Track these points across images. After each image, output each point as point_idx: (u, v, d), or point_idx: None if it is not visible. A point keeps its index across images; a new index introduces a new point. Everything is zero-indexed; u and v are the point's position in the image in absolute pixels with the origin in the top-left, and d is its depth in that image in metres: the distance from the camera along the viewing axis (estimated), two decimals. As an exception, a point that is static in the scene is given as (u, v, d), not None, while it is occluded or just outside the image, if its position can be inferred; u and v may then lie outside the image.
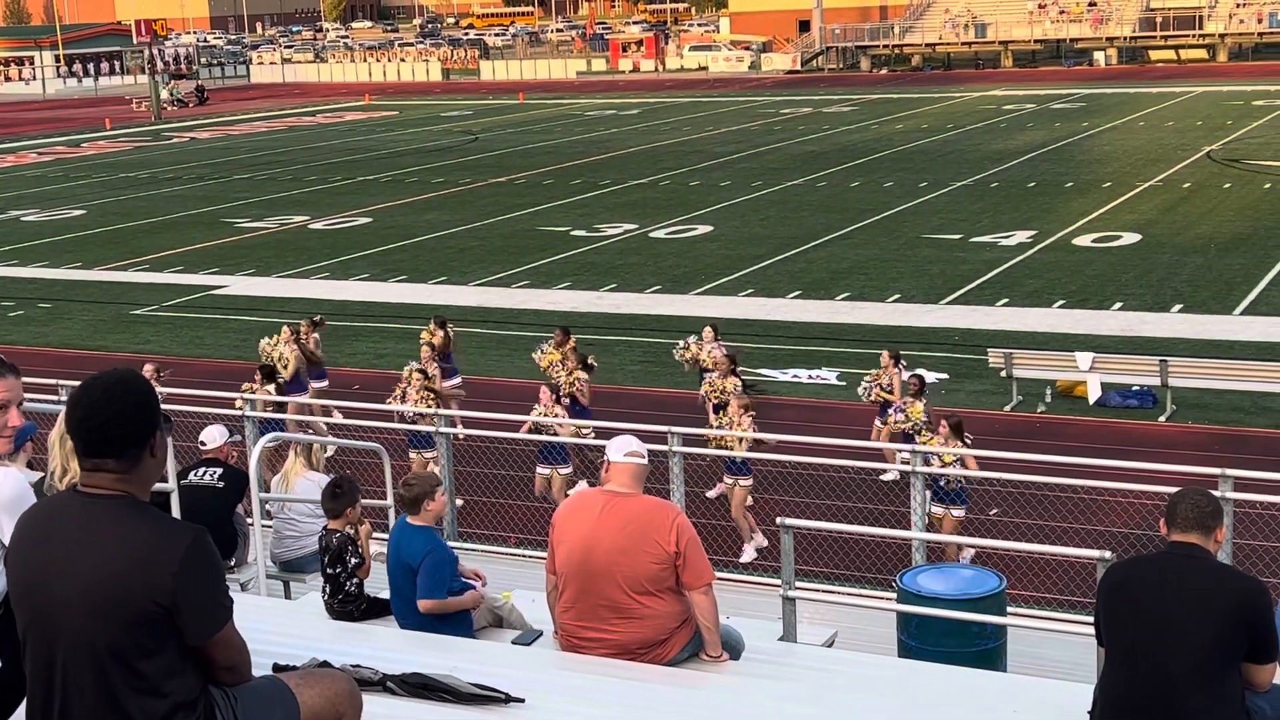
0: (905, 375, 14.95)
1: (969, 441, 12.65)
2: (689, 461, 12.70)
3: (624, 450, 6.33)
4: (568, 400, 14.83)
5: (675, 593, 6.24)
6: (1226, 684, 4.86)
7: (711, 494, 14.81)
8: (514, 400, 16.41)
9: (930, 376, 19.10)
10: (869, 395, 15.37)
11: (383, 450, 12.30)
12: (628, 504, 6.24)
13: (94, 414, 3.87)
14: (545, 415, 13.94)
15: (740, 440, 13.14)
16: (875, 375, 15.44)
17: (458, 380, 17.22)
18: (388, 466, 12.29)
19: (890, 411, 14.43)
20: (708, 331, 16.56)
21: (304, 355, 16.85)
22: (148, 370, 15.73)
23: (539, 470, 14.39)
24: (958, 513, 12.57)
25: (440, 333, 17.21)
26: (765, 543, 13.43)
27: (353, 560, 7.85)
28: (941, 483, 12.41)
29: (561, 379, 15.10)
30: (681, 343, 16.78)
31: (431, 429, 13.83)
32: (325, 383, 17.59)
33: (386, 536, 8.26)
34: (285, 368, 16.42)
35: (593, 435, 13.92)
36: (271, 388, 15.33)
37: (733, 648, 6.59)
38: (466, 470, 14.14)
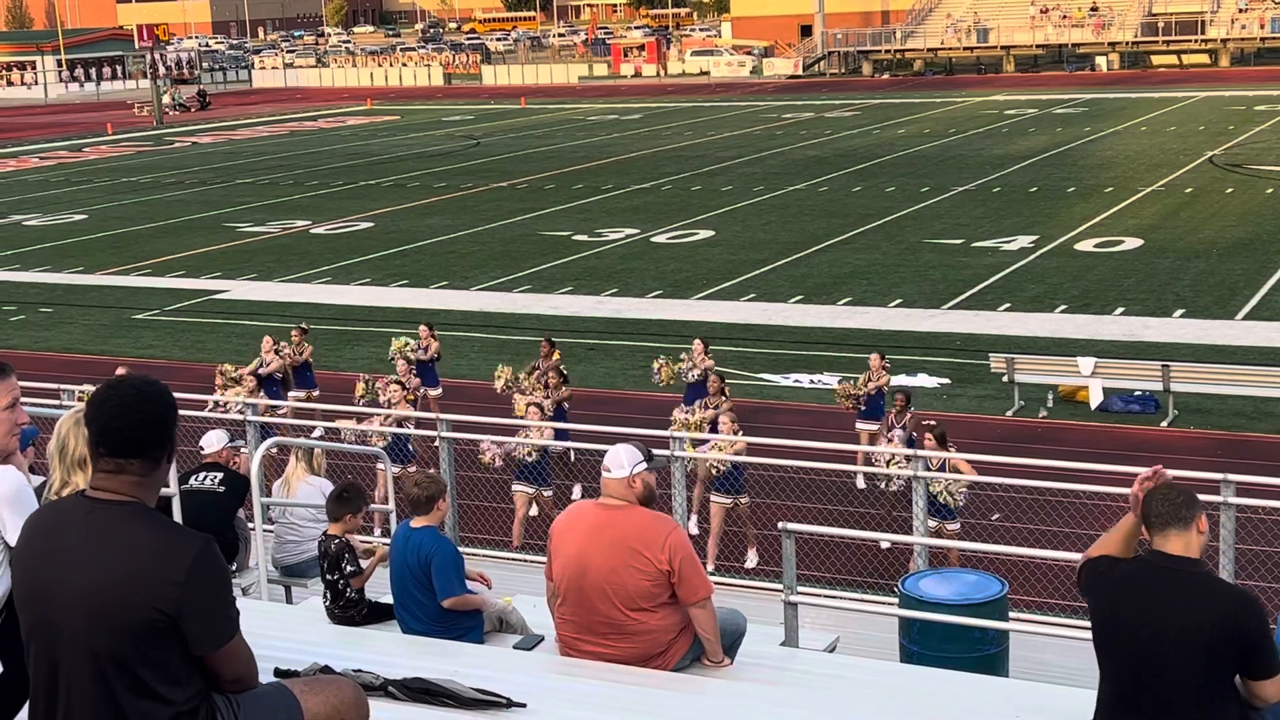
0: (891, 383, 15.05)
1: (953, 448, 12.60)
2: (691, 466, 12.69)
3: (615, 462, 6.19)
4: (553, 411, 14.77)
5: (671, 605, 6.17)
6: (1224, 700, 4.70)
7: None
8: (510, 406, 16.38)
9: (932, 381, 19.15)
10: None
11: (384, 455, 12.31)
12: (620, 519, 6.13)
13: (125, 413, 3.82)
14: (535, 434, 13.60)
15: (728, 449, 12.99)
16: (861, 383, 15.43)
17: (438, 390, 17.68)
18: (389, 472, 12.30)
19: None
20: (698, 344, 16.41)
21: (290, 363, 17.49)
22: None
23: (516, 488, 13.87)
24: (952, 526, 12.53)
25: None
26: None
27: (349, 568, 7.84)
28: (938, 498, 12.28)
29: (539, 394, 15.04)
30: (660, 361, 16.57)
31: (410, 432, 14.15)
32: (316, 391, 17.87)
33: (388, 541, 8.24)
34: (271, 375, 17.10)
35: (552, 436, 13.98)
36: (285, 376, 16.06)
37: (733, 632, 6.52)
38: (466, 475, 14.12)
